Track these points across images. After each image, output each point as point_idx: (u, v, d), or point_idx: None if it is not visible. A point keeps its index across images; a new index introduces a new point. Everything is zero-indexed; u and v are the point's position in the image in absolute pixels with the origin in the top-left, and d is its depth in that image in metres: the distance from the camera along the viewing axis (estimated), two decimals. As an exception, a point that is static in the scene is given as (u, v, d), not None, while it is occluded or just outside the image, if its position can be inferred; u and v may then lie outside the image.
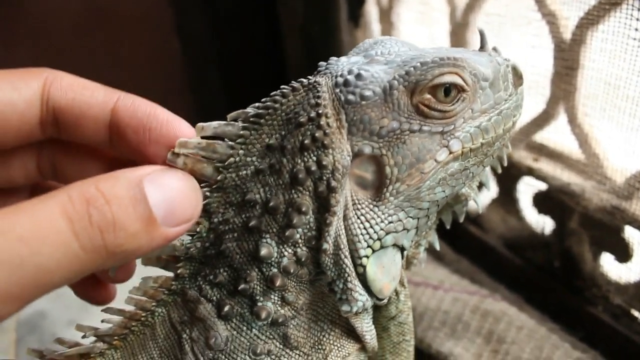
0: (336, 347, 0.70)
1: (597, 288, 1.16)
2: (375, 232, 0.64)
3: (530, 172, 1.22)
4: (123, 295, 0.71)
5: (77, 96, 0.65)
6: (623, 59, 0.97)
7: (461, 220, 0.78)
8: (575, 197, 1.11)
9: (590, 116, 1.08)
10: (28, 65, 1.71)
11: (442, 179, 0.65)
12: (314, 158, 0.62)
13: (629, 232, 1.10)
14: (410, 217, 0.66)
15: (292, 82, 0.65)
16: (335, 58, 0.69)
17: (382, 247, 0.65)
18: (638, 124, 0.99)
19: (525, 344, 1.07)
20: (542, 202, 1.24)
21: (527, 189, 1.28)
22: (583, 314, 1.15)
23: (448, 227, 0.79)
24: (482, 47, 0.69)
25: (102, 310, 0.71)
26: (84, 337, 0.72)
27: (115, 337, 0.71)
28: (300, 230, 0.64)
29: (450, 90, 0.63)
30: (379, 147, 0.63)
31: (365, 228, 0.64)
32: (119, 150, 0.66)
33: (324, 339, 0.69)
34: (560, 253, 1.22)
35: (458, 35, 1.30)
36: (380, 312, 0.74)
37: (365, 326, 0.70)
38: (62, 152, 0.71)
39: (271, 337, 0.67)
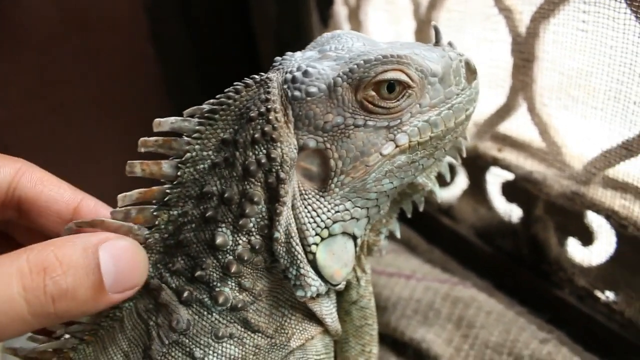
0: (299, 331, 0.73)
1: (563, 272, 1.20)
2: (322, 220, 0.67)
3: (496, 162, 1.26)
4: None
5: (45, 190, 0.73)
6: (573, 49, 1.01)
7: (421, 209, 0.80)
8: (538, 184, 1.15)
9: (548, 106, 1.12)
10: (8, 75, 1.73)
11: (388, 171, 0.68)
12: (264, 151, 0.65)
13: (591, 216, 1.15)
14: (358, 206, 0.68)
15: (245, 78, 0.69)
16: (290, 53, 0.72)
17: (330, 235, 0.68)
18: (591, 112, 1.03)
19: (494, 328, 1.11)
20: (509, 191, 1.28)
21: (495, 179, 1.32)
22: (550, 297, 1.20)
23: (409, 215, 0.81)
24: (437, 42, 0.72)
25: None
26: (56, 331, 0.74)
27: (86, 333, 0.74)
28: (253, 219, 0.67)
29: (394, 87, 0.66)
30: (324, 141, 0.66)
31: (312, 217, 0.67)
32: None
33: (286, 324, 0.72)
34: (527, 239, 1.26)
35: (423, 32, 1.34)
36: (342, 296, 0.78)
37: (325, 310, 0.73)
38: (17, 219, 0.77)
39: (232, 321, 0.70)
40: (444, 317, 1.16)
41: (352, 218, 0.68)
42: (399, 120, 0.67)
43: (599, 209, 1.07)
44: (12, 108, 1.63)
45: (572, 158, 1.12)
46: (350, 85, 0.65)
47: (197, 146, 0.69)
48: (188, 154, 0.69)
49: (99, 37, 1.72)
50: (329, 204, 0.67)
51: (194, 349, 0.70)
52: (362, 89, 0.65)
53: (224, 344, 0.70)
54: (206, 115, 0.69)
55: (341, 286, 0.72)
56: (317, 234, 0.67)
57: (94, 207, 0.74)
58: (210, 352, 0.70)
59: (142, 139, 0.68)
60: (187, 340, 0.70)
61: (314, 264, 0.68)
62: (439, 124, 0.68)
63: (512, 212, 1.31)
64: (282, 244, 0.67)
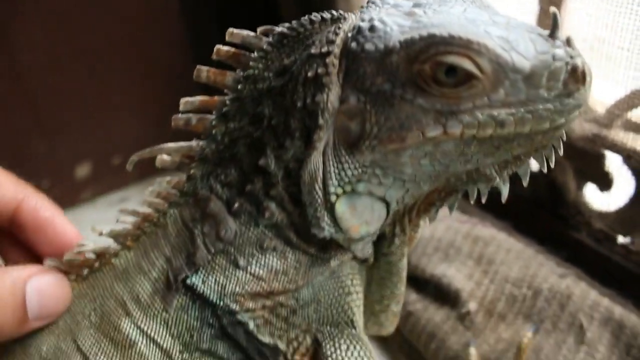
0: (339, 253, 0.74)
1: (581, 215, 1.24)
2: (346, 175, 0.66)
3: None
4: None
5: None
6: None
7: (483, 200, 0.73)
8: (560, 127, 1.18)
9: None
10: (32, 19, 1.73)
11: (429, 153, 0.63)
12: (312, 92, 0.65)
13: (610, 160, 1.17)
14: (389, 174, 0.66)
15: (325, 11, 0.67)
16: None
17: (354, 191, 0.66)
18: (617, 53, 1.05)
19: (513, 264, 1.15)
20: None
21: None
22: (567, 238, 1.23)
23: (472, 202, 0.74)
24: (552, 34, 0.61)
25: (118, 211, 0.77)
26: (100, 235, 0.77)
27: (129, 238, 0.77)
28: (291, 151, 0.68)
29: (455, 72, 0.59)
30: (365, 101, 0.63)
31: (338, 169, 0.66)
32: (18, 239, 0.79)
33: (327, 246, 0.73)
34: (546, 184, 1.29)
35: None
36: (376, 244, 0.78)
37: (353, 245, 0.73)
38: None
39: (276, 235, 0.72)
40: (464, 254, 1.19)
41: (381, 184, 0.66)
42: (455, 107, 0.60)
43: (619, 150, 1.10)
44: (36, 53, 1.64)
45: (595, 101, 1.15)
46: (407, 55, 0.60)
47: (260, 65, 0.69)
48: (251, 71, 0.69)
49: (122, -13, 1.74)
50: (357, 162, 0.65)
51: (239, 258, 0.72)
52: (419, 63, 0.59)
53: (267, 256, 0.72)
54: (277, 37, 0.68)
55: (370, 238, 0.72)
56: (339, 186, 0.66)
57: (34, 208, 0.78)
58: (254, 262, 0.72)
59: (217, 46, 0.69)
60: (232, 249, 0.72)
61: (332, 212, 0.67)
62: (508, 124, 0.60)
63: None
64: (306, 184, 0.67)
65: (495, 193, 1.41)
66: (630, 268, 1.12)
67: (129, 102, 1.87)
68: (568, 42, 0.60)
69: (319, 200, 0.67)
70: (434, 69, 0.59)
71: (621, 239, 1.18)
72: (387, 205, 0.68)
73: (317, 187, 0.66)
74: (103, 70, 1.77)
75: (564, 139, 0.65)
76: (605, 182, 1.21)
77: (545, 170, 0.67)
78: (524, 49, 0.59)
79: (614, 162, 1.18)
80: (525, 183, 0.69)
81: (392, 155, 0.63)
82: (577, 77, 0.60)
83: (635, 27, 1.00)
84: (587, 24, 1.08)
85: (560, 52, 0.59)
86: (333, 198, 0.66)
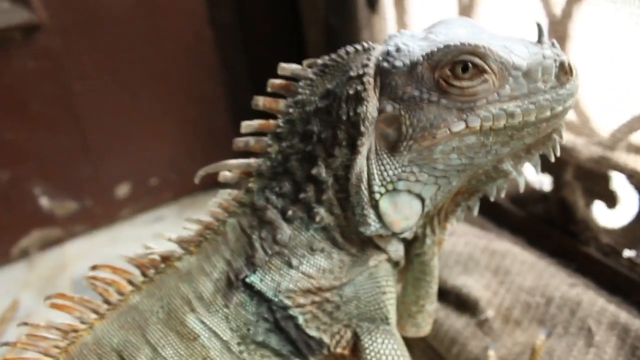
0: (376, 253, 0.86)
1: (589, 231, 1.34)
2: (388, 175, 0.79)
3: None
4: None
5: None
6: (604, 27, 1.15)
7: (502, 195, 0.85)
8: (568, 150, 1.29)
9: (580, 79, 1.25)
10: (85, 50, 1.86)
11: (456, 147, 0.75)
12: (353, 106, 0.78)
13: (615, 181, 1.28)
14: (424, 172, 0.78)
15: (358, 44, 0.82)
16: (403, 31, 0.84)
17: (395, 189, 0.79)
18: (620, 84, 1.16)
19: (528, 275, 1.25)
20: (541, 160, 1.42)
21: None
22: (577, 252, 1.33)
23: (492, 199, 0.86)
24: (538, 40, 0.76)
25: (184, 219, 0.89)
26: (168, 240, 0.89)
27: (192, 244, 0.88)
28: (339, 160, 0.81)
29: (468, 68, 0.72)
30: (399, 108, 0.77)
31: (380, 170, 0.79)
32: None
33: (366, 247, 0.85)
34: (557, 203, 1.40)
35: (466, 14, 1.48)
36: (410, 245, 0.90)
37: (389, 247, 0.86)
38: None
39: (324, 238, 0.84)
40: (482, 266, 1.30)
41: (418, 181, 0.78)
42: (472, 104, 0.74)
43: (623, 170, 1.21)
44: (86, 81, 1.78)
45: (599, 127, 1.26)
46: (430, 65, 0.74)
47: (307, 91, 0.83)
48: (299, 97, 0.83)
49: (164, 20, 1.87)
50: (397, 163, 0.78)
51: (292, 259, 0.84)
52: (439, 69, 0.74)
53: (316, 256, 0.84)
54: (320, 67, 0.83)
55: (406, 235, 0.84)
56: (382, 185, 0.79)
57: None
58: (305, 261, 0.84)
59: (270, 80, 0.84)
60: (286, 251, 0.84)
61: (376, 209, 0.80)
62: (517, 115, 0.73)
63: (543, 181, 1.45)
64: (354, 186, 0.80)
65: (509, 212, 1.52)
66: (635, 278, 1.22)
67: (165, 128, 2.00)
68: (553, 44, 0.75)
69: (365, 199, 0.80)
70: (453, 68, 0.73)
71: (627, 252, 1.28)
72: (422, 201, 0.81)
73: (363, 188, 0.80)
74: (143, 98, 1.91)
75: (564, 128, 0.79)
76: (611, 200, 1.31)
77: (552, 159, 0.81)
78: (519, 51, 0.74)
79: (619, 182, 1.29)
80: (537, 172, 0.83)
81: (426, 152, 0.77)
82: (565, 69, 0.74)
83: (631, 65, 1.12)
84: (592, 58, 1.20)
85: (548, 52, 0.74)
86: (377, 196, 0.79)
